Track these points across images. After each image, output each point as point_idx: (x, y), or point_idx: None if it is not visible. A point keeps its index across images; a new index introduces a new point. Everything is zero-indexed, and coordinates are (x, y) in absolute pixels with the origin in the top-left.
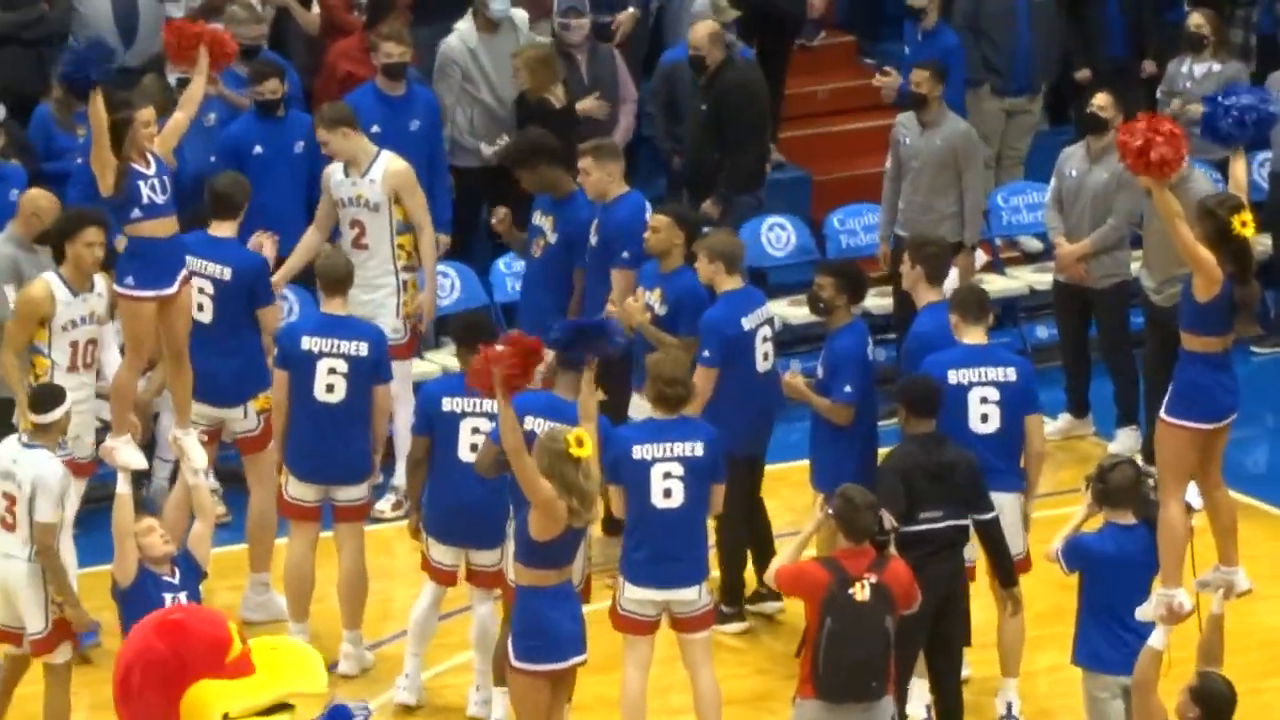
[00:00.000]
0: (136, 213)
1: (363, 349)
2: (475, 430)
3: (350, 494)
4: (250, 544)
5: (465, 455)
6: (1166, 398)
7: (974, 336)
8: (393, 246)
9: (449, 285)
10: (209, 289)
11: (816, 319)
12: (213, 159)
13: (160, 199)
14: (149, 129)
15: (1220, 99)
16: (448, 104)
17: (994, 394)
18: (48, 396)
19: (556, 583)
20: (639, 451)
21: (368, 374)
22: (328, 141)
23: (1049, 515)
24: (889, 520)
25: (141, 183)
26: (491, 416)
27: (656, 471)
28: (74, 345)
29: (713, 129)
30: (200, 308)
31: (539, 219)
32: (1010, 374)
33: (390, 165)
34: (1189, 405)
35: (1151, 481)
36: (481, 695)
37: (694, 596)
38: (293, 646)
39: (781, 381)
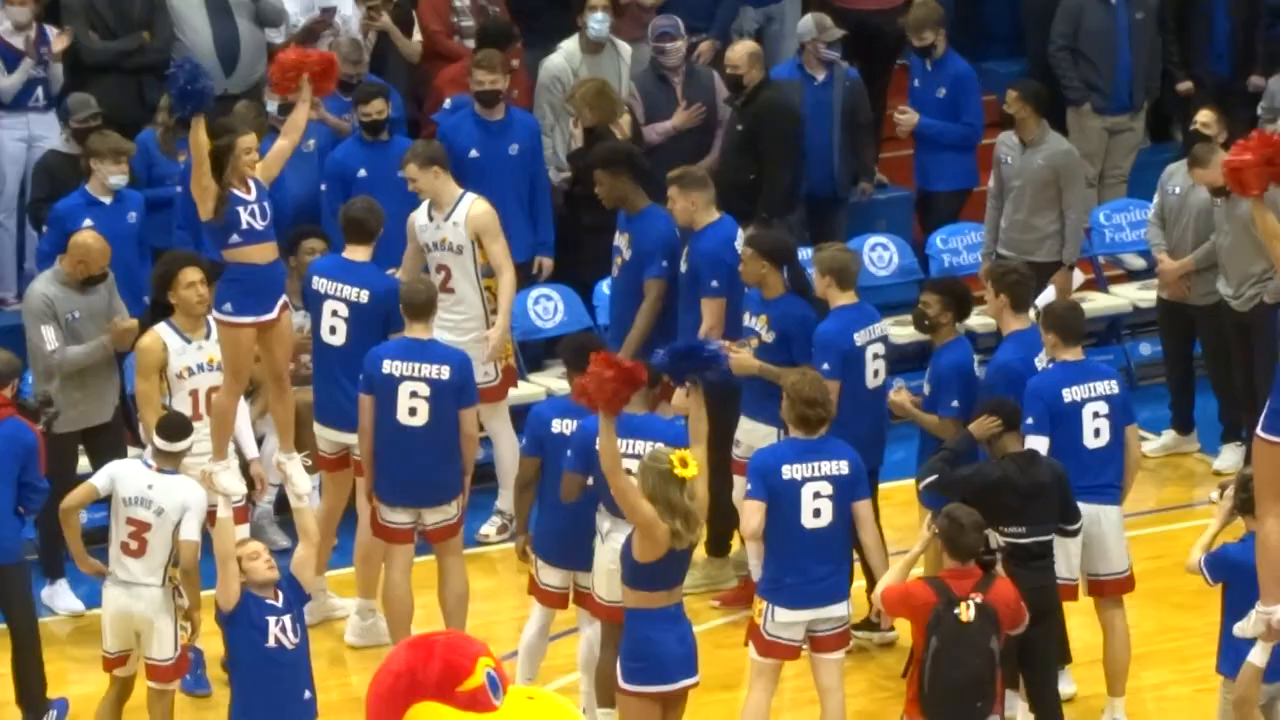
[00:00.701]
0: (235, 238)
1: (444, 372)
2: None
3: (438, 516)
4: (358, 568)
5: None
6: (1263, 414)
7: (1073, 354)
8: (480, 290)
9: (552, 308)
10: (343, 311)
11: (920, 338)
12: (323, 186)
13: (260, 224)
14: (250, 155)
15: None
16: (549, 121)
17: (1104, 408)
18: (177, 426)
19: (664, 604)
20: (789, 471)
21: (451, 397)
22: (417, 178)
23: (1154, 532)
24: (995, 539)
25: (241, 208)
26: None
27: (807, 491)
28: (194, 394)
29: (747, 148)
30: (333, 330)
31: (618, 238)
32: (1114, 386)
33: (473, 208)
34: None
35: None
36: (587, 718)
37: (842, 612)
38: (553, 702)
39: (887, 399)
